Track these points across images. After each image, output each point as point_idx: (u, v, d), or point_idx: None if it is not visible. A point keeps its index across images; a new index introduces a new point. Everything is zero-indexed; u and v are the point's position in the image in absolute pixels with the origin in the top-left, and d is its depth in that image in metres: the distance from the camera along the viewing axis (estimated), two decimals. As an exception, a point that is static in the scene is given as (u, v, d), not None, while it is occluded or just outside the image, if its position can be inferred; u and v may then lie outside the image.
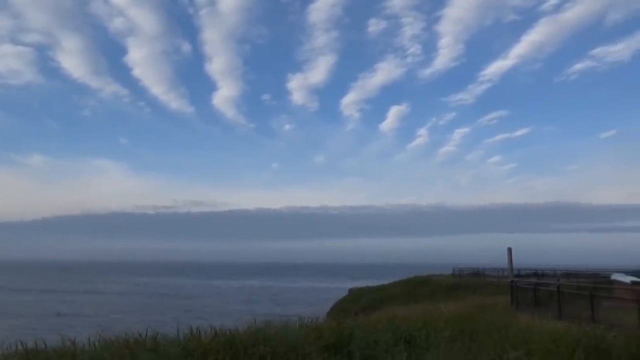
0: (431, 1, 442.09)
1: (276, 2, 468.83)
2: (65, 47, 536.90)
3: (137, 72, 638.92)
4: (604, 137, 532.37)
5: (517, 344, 7.76)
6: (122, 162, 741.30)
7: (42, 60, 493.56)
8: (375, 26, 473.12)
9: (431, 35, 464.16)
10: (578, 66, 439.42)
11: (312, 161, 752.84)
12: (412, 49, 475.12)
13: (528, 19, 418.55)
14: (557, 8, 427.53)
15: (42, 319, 52.83)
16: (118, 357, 5.90)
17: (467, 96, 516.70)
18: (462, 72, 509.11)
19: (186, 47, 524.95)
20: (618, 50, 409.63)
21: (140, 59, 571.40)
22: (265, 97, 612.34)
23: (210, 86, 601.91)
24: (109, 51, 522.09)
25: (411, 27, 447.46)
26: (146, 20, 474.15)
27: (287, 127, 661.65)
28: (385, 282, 57.98)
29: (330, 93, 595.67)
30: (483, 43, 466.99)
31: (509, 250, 23.47)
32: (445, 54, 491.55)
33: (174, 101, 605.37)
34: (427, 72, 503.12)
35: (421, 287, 46.26)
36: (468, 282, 46.87)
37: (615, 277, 21.99)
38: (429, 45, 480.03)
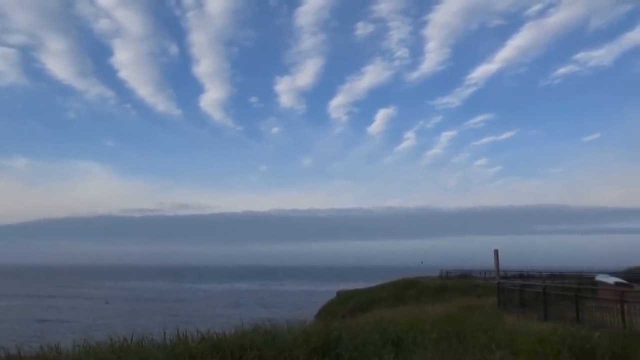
0: (418, 5, 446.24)
1: (264, 5, 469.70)
2: (50, 49, 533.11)
3: (123, 74, 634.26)
4: (587, 140, 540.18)
5: (504, 344, 7.81)
6: (108, 165, 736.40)
7: (26, 61, 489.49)
8: (362, 30, 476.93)
9: (418, 39, 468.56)
10: (562, 70, 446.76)
11: (300, 164, 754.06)
12: (399, 53, 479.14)
13: (513, 23, 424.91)
14: (542, 13, 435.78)
15: (25, 324, 52.03)
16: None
17: (453, 99, 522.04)
18: (449, 76, 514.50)
19: (173, 49, 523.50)
20: (600, 55, 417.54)
21: (127, 60, 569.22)
22: (253, 99, 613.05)
23: (197, 89, 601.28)
24: (95, 53, 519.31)
25: (398, 31, 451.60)
26: (132, 21, 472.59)
27: (275, 129, 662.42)
28: (373, 284, 58.07)
29: (318, 96, 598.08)
30: (469, 47, 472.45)
31: (496, 252, 23.61)
32: (432, 58, 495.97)
33: (161, 103, 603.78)
34: (414, 75, 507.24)
35: (409, 289, 46.41)
36: (455, 284, 47.13)
37: (600, 278, 22.24)
38: (416, 49, 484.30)
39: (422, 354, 7.77)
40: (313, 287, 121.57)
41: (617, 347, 7.87)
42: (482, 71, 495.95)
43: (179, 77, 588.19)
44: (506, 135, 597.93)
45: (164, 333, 8.13)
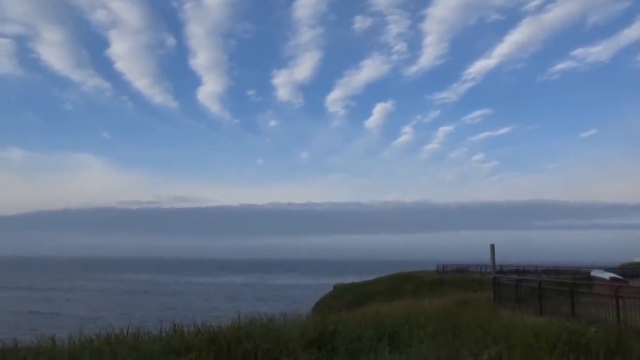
0: (416, 0, 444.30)
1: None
2: (46, 39, 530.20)
3: (119, 65, 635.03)
4: (584, 136, 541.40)
5: (499, 338, 7.83)
6: (105, 157, 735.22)
7: (21, 51, 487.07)
8: (360, 23, 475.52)
9: (416, 34, 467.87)
10: (560, 66, 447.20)
11: (297, 157, 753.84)
12: (397, 47, 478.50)
13: (511, 19, 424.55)
14: (540, 9, 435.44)
15: (20, 316, 52.03)
16: (98, 355, 5.81)
17: (451, 94, 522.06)
18: (447, 71, 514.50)
19: (170, 41, 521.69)
20: (598, 52, 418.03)
21: (123, 52, 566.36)
22: (251, 92, 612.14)
23: (194, 81, 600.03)
24: (91, 44, 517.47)
25: (396, 25, 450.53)
26: (129, 13, 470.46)
27: (272, 123, 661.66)
28: (370, 278, 58.22)
29: (315, 89, 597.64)
30: (467, 42, 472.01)
31: (492, 247, 23.69)
32: (430, 53, 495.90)
33: (158, 96, 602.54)
34: (412, 70, 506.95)
35: (405, 283, 46.60)
36: (451, 278, 47.31)
37: (595, 273, 22.31)
38: (414, 44, 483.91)
39: (418, 347, 7.78)
40: (310, 281, 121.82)
41: (612, 342, 7.90)
42: (480, 66, 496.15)
43: (176, 70, 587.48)
44: (503, 130, 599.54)
45: (161, 325, 8.12)
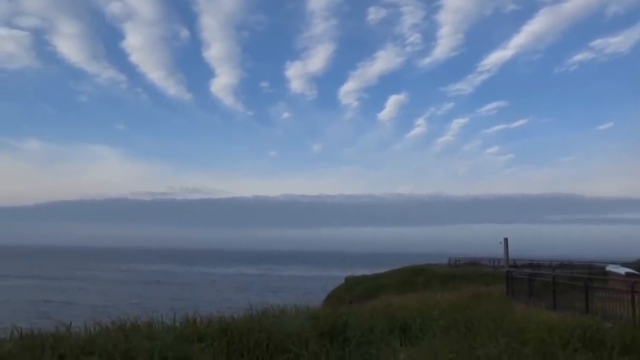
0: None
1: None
2: (62, 32, 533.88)
3: (134, 57, 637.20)
4: (601, 129, 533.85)
5: (512, 333, 7.78)
6: (119, 148, 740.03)
7: (38, 44, 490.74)
8: (374, 15, 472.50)
9: (431, 25, 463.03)
10: (578, 57, 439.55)
11: (310, 149, 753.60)
12: (411, 38, 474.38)
13: (528, 9, 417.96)
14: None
15: (35, 305, 52.83)
16: (114, 343, 5.88)
17: (465, 86, 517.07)
18: (462, 62, 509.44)
19: (184, 33, 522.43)
20: (618, 42, 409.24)
21: (138, 44, 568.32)
22: (264, 84, 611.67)
23: (208, 73, 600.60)
24: (107, 36, 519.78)
25: (411, 16, 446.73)
26: (144, 5, 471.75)
27: (286, 115, 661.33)
28: (381, 271, 58.17)
29: (328, 81, 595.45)
30: (483, 33, 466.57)
31: (505, 240, 23.53)
32: (445, 44, 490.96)
33: (172, 87, 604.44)
34: (427, 61, 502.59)
35: (417, 276, 46.47)
36: (464, 271, 47.09)
37: (610, 268, 22.06)
38: (429, 35, 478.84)
39: (430, 340, 7.77)
40: (321, 273, 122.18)
41: (627, 338, 7.81)
42: (496, 58, 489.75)
43: (189, 62, 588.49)
44: (518, 123, 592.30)
45: (174, 315, 8.20)
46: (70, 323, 7.18)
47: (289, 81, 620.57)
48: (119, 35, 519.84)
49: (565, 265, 41.53)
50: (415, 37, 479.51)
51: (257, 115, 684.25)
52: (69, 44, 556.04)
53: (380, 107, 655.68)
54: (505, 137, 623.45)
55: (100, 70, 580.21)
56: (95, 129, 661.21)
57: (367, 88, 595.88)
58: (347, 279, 55.95)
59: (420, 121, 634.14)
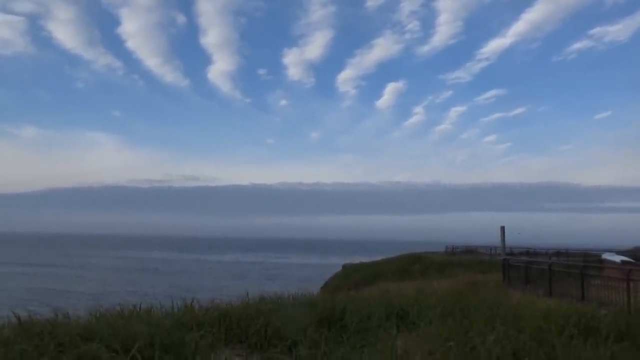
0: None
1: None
2: (57, 17, 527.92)
3: (131, 43, 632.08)
4: (598, 118, 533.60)
5: (509, 320, 7.84)
6: (116, 135, 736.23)
7: (33, 30, 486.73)
8: (373, 1, 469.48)
9: (430, 12, 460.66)
10: (576, 46, 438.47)
11: (308, 137, 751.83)
12: (410, 26, 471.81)
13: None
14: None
15: (33, 292, 52.94)
16: (113, 329, 5.91)
17: (464, 74, 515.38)
18: (460, 50, 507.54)
19: (181, 19, 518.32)
20: (617, 31, 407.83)
21: (134, 30, 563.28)
22: (261, 71, 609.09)
23: (205, 60, 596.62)
24: (103, 22, 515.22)
25: (409, 3, 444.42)
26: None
27: (283, 102, 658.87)
28: (379, 258, 58.40)
29: (326, 69, 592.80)
30: (482, 21, 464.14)
31: (502, 228, 23.61)
32: (444, 31, 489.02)
33: (169, 74, 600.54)
34: (425, 49, 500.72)
35: (414, 264, 46.70)
36: (460, 259, 47.33)
37: (606, 256, 22.22)
38: (427, 22, 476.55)
39: (427, 327, 7.82)
40: (319, 260, 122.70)
41: (622, 326, 7.88)
42: (495, 45, 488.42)
43: (186, 48, 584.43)
44: (517, 111, 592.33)
45: (172, 302, 8.23)
46: (68, 309, 7.21)
47: (287, 68, 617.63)
48: (115, 21, 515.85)
49: (562, 254, 41.76)
50: (413, 25, 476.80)
51: (254, 103, 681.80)
52: (65, 30, 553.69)
53: (378, 95, 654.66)
54: (504, 126, 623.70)
55: (96, 57, 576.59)
56: (92, 115, 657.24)
57: (365, 76, 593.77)
58: (344, 267, 56.19)
59: (419, 109, 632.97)
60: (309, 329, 7.15)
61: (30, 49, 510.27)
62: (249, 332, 7.30)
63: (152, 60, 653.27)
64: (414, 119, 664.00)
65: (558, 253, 43.26)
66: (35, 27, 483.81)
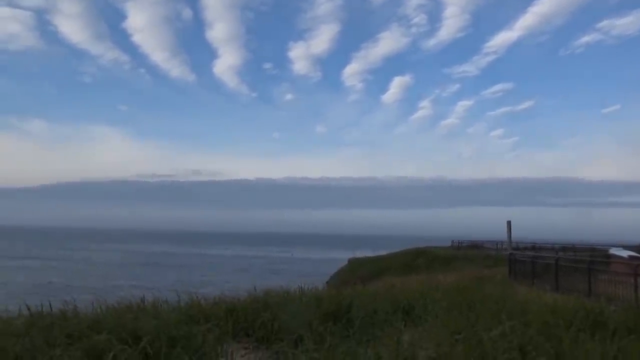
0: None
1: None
2: (64, 11, 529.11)
3: (137, 38, 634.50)
4: (606, 112, 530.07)
5: (515, 314, 7.83)
6: (123, 129, 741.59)
7: (41, 24, 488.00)
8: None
9: (436, 5, 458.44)
10: (584, 39, 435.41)
11: (313, 131, 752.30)
12: (416, 19, 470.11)
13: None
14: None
15: (39, 285, 53.14)
16: (121, 322, 5.95)
17: (471, 68, 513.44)
18: (467, 44, 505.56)
19: (187, 13, 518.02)
20: (625, 24, 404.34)
21: (141, 24, 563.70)
22: (267, 66, 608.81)
23: (211, 54, 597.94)
24: (109, 16, 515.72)
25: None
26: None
27: (289, 96, 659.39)
28: (384, 253, 58.43)
29: (332, 63, 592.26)
30: (489, 14, 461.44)
31: (508, 223, 23.56)
32: (451, 25, 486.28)
33: (175, 68, 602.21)
34: (432, 42, 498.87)
35: (419, 258, 46.72)
36: (466, 254, 47.29)
37: (613, 251, 22.13)
38: (434, 15, 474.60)
39: (433, 321, 7.83)
40: (324, 255, 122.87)
41: (630, 321, 7.85)
42: (502, 39, 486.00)
43: (193, 42, 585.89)
44: (524, 105, 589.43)
45: (178, 296, 8.27)
46: (75, 302, 7.26)
47: (293, 62, 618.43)
48: (122, 16, 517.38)
49: (568, 248, 41.66)
50: (420, 18, 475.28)
51: (260, 97, 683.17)
52: (72, 24, 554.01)
53: (384, 89, 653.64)
54: (511, 120, 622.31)
55: (103, 51, 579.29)
56: (99, 110, 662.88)
57: (371, 70, 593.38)
58: (350, 261, 56.31)
59: (425, 103, 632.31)
60: (315, 323, 7.17)
61: (37, 43, 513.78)
62: (256, 325, 7.33)
63: (158, 54, 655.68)
64: (420, 113, 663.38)
65: (564, 248, 43.18)
66: (42, 21, 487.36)
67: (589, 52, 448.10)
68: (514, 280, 19.79)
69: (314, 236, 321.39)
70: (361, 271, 45.41)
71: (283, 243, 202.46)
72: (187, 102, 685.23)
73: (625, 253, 21.02)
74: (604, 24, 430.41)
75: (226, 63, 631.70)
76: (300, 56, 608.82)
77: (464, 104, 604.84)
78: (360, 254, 68.21)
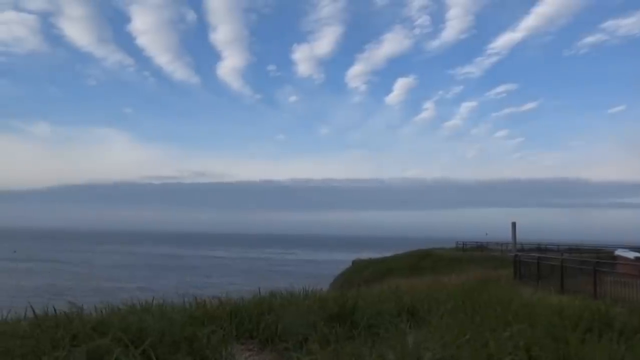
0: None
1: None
2: (69, 14, 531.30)
3: (141, 41, 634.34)
4: (612, 112, 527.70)
5: (521, 316, 7.79)
6: (127, 132, 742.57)
7: (45, 27, 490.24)
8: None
9: (440, 6, 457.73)
10: (589, 39, 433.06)
11: (317, 133, 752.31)
12: (420, 20, 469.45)
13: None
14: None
15: (43, 287, 53.38)
16: (126, 323, 5.95)
17: (474, 69, 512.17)
18: (471, 45, 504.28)
19: (191, 16, 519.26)
20: (630, 24, 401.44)
21: (145, 27, 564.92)
22: (271, 68, 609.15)
23: (215, 56, 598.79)
24: (113, 19, 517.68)
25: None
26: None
27: (293, 98, 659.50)
28: (389, 254, 58.29)
29: (336, 64, 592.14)
30: (492, 15, 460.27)
31: (513, 224, 23.48)
32: (454, 26, 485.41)
33: (179, 71, 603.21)
34: (435, 44, 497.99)
35: (424, 259, 46.59)
36: (471, 255, 47.14)
37: (619, 252, 22.00)
38: (438, 17, 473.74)
39: (438, 323, 7.79)
40: (328, 256, 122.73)
41: (636, 322, 7.80)
42: (506, 40, 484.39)
43: (196, 45, 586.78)
44: (528, 106, 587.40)
45: (183, 298, 8.27)
46: (82, 305, 7.26)
47: (296, 64, 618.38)
48: (126, 19, 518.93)
49: (574, 250, 41.47)
50: (423, 19, 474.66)
51: (264, 99, 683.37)
52: (76, 27, 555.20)
53: (388, 91, 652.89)
54: (514, 121, 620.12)
55: (107, 54, 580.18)
56: (104, 112, 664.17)
57: (375, 71, 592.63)
58: (354, 263, 56.20)
59: (429, 104, 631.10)
60: (320, 325, 7.15)
61: (42, 46, 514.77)
62: (260, 327, 7.30)
63: (162, 57, 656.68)
64: (424, 115, 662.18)
65: (570, 249, 42.99)
66: (47, 24, 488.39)
67: (593, 52, 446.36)
68: (519, 282, 19.71)
69: (319, 238, 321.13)
70: (366, 273, 45.34)
71: (287, 244, 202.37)
72: (191, 104, 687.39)
73: (631, 254, 20.90)
74: (609, 24, 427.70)
75: (230, 65, 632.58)
76: (304, 58, 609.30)
77: (467, 105, 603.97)
78: (365, 255, 68.11)
